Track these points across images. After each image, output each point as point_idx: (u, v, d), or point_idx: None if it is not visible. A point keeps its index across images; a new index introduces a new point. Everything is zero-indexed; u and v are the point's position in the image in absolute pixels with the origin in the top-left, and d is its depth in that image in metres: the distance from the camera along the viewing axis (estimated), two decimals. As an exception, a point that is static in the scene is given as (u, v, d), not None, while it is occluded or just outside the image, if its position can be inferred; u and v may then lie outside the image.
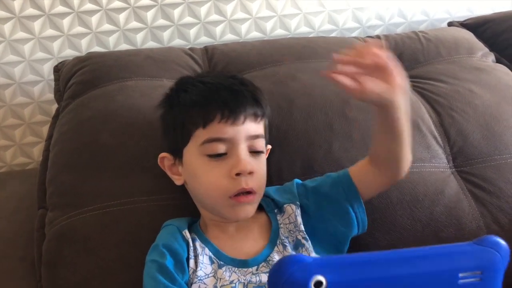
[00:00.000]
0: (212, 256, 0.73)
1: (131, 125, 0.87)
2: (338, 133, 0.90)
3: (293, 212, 0.76)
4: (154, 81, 0.95)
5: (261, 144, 0.75)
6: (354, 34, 1.39)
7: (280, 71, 0.99)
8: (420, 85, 1.03)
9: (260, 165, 0.74)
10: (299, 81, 0.97)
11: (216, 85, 0.75)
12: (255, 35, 1.33)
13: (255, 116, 0.74)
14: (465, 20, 1.34)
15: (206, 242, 0.74)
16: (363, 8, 1.38)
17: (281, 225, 0.76)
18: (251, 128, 0.73)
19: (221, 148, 0.71)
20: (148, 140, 0.85)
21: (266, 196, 0.79)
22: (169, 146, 0.78)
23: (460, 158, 0.92)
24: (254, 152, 0.74)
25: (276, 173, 0.87)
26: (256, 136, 0.74)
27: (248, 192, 0.71)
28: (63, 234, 0.80)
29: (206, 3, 1.28)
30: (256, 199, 0.74)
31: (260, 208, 0.78)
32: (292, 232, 0.76)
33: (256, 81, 0.96)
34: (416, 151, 0.90)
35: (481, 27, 1.28)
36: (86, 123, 0.90)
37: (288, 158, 0.87)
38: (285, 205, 0.78)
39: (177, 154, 0.76)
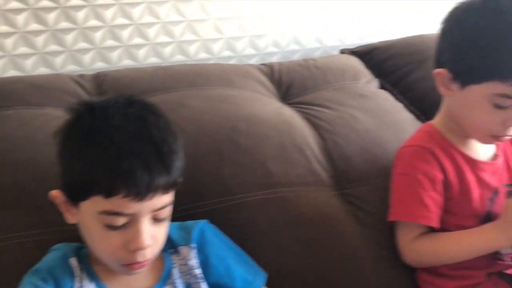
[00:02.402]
0: None
1: (6, 157, 0.82)
2: (227, 160, 0.91)
3: (187, 255, 0.76)
4: (36, 110, 0.92)
5: (167, 211, 0.70)
6: (252, 61, 1.43)
7: (171, 98, 1.00)
8: (307, 111, 1.07)
9: (161, 232, 0.70)
10: (189, 108, 0.97)
11: (127, 152, 0.64)
12: (153, 60, 1.32)
13: (166, 189, 0.67)
14: (355, 48, 1.42)
15: (92, 276, 0.72)
16: (261, 36, 1.43)
17: (175, 265, 0.76)
18: (159, 202, 0.67)
19: (121, 221, 0.65)
20: (24, 173, 0.81)
21: None
22: (65, 188, 0.70)
23: (342, 181, 0.97)
24: (158, 219, 0.69)
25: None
26: (163, 207, 0.68)
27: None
28: None
29: (101, 29, 1.26)
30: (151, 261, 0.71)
31: None
32: (185, 274, 0.75)
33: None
34: (301, 175, 0.94)
35: (368, 55, 1.36)
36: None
37: (177, 186, 0.87)
38: (180, 247, 0.77)
39: (73, 200, 0.69)
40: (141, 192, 0.64)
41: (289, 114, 1.05)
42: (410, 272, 0.91)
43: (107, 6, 1.25)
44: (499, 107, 0.82)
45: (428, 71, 1.25)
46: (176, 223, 0.79)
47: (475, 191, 0.88)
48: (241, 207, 0.88)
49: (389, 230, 0.91)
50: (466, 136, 0.90)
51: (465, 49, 0.84)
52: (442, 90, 0.89)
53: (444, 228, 0.88)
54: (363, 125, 1.04)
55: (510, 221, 0.81)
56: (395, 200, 0.90)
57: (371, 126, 1.04)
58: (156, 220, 0.68)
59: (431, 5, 1.56)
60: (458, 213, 0.88)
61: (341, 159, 0.99)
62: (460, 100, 0.87)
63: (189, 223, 0.80)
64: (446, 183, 0.87)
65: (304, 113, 1.07)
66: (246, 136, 0.95)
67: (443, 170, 0.87)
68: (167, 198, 0.69)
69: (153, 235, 0.68)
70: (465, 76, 0.84)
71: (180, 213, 0.85)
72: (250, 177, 0.90)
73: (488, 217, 0.88)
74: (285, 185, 0.92)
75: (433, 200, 0.86)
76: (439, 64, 0.89)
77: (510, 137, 0.87)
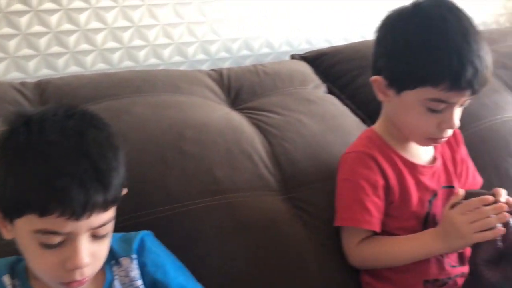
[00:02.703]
0: None
1: None
2: (173, 167, 0.91)
3: (128, 266, 0.75)
4: (-29, 119, 0.88)
5: (107, 228, 0.67)
6: (204, 67, 1.43)
7: (115, 105, 0.98)
8: (256, 116, 1.08)
9: (102, 249, 0.68)
10: (133, 115, 0.96)
11: (62, 170, 0.62)
12: (101, 67, 1.30)
13: (105, 207, 0.65)
14: (305, 53, 1.44)
15: None
16: (212, 41, 1.43)
17: (117, 277, 0.74)
18: (97, 220, 0.64)
19: (56, 239, 0.63)
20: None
21: None
22: None
23: (289, 185, 0.98)
24: (98, 236, 0.67)
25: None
26: (102, 225, 0.66)
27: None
28: None
29: (46, 35, 1.23)
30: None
31: None
32: (126, 285, 0.74)
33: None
34: (248, 181, 0.94)
35: (317, 60, 1.38)
36: None
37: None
38: (121, 258, 0.75)
39: (7, 216, 0.66)
40: (76, 212, 0.62)
41: (238, 119, 1.06)
42: (355, 275, 0.93)
43: (52, 11, 1.22)
44: (433, 111, 0.85)
45: (374, 76, 1.29)
46: (119, 234, 0.77)
47: (415, 195, 0.91)
48: (187, 215, 0.87)
49: (335, 233, 0.92)
50: (405, 140, 0.93)
51: (397, 57, 0.86)
52: (379, 96, 0.92)
53: (386, 231, 0.90)
54: (310, 129, 1.05)
55: (448, 230, 0.84)
56: (339, 206, 0.91)
57: (318, 130, 1.06)
58: (95, 237, 0.66)
59: (373, 10, 1.60)
60: (399, 216, 0.90)
61: (288, 163, 0.99)
62: (396, 106, 0.89)
63: (132, 234, 0.78)
64: (387, 188, 0.89)
65: (252, 119, 1.07)
66: (192, 143, 0.94)
67: (384, 175, 0.89)
68: (106, 215, 0.66)
69: (92, 253, 0.66)
70: (399, 82, 0.87)
71: (124, 223, 0.84)
72: (196, 184, 0.90)
73: (427, 218, 0.91)
74: (232, 191, 0.92)
75: (375, 205, 0.88)
76: (375, 71, 0.91)
77: (446, 139, 0.90)
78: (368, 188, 0.88)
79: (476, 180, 1.03)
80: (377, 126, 0.96)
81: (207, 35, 1.42)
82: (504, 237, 0.80)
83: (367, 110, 1.23)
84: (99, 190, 0.63)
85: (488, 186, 1.08)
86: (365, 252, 0.89)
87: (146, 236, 0.79)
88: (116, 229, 0.82)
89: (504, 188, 1.10)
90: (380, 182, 0.88)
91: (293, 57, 1.44)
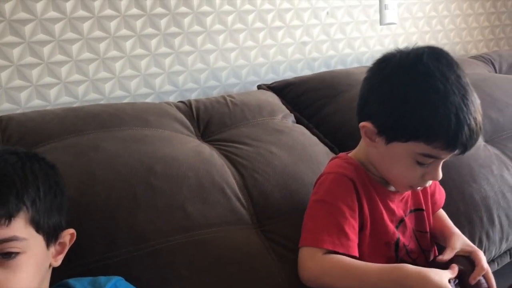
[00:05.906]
0: None
1: None
2: (143, 204, 0.88)
3: None
4: None
5: (12, 245, 0.62)
6: (171, 98, 1.42)
7: (82, 142, 0.96)
8: (226, 148, 1.07)
9: (10, 280, 0.61)
10: (102, 151, 0.94)
11: None
12: (65, 100, 1.28)
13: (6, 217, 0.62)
14: (272, 83, 1.45)
15: None
16: (179, 72, 1.43)
17: None
18: None
19: None
20: None
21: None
22: None
23: (262, 218, 0.97)
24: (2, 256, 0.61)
25: (75, 253, 0.81)
26: (2, 241, 0.61)
27: None
28: None
29: (7, 68, 1.19)
30: None
31: None
32: None
33: (56, 153, 0.92)
34: (220, 215, 0.93)
35: (284, 90, 1.40)
36: None
37: (89, 236, 0.83)
38: None
39: None
40: None
41: (208, 152, 1.05)
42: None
43: (13, 44, 1.19)
44: (420, 164, 0.85)
45: (340, 105, 1.32)
46: (88, 279, 0.74)
47: (389, 223, 0.91)
48: (158, 253, 0.85)
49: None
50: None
51: (394, 108, 0.83)
52: (365, 141, 0.90)
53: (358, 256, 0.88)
54: (280, 160, 1.05)
55: None
56: (314, 227, 0.87)
57: (288, 161, 1.06)
58: None
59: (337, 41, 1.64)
60: (371, 244, 0.89)
61: (260, 195, 0.99)
62: (383, 153, 0.88)
63: (102, 279, 0.74)
64: (361, 213, 0.88)
65: (223, 150, 1.07)
66: (162, 178, 0.92)
67: (359, 201, 0.88)
68: (7, 231, 0.62)
69: None
70: (391, 133, 0.85)
71: (92, 265, 0.81)
72: (167, 221, 0.88)
73: (398, 245, 0.91)
74: (204, 226, 0.90)
75: (352, 229, 0.86)
76: (364, 115, 0.89)
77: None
78: (347, 211, 0.86)
79: (442, 193, 1.04)
80: (353, 154, 0.96)
81: (174, 67, 1.41)
82: None
83: (335, 139, 1.25)
84: None
85: (455, 211, 1.11)
86: (326, 263, 0.83)
87: (119, 283, 0.75)
88: (84, 272, 0.80)
89: (470, 212, 1.14)
90: (357, 205, 0.88)
91: (260, 87, 1.46)
